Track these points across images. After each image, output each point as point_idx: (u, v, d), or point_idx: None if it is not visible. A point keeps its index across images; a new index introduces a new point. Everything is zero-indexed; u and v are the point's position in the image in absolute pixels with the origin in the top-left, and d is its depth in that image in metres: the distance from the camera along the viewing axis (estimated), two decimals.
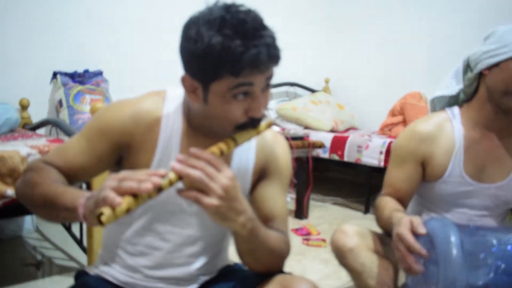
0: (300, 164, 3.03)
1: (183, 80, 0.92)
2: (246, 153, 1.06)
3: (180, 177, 0.80)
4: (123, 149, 0.98)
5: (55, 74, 2.69)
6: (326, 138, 3.41)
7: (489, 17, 3.28)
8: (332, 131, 3.66)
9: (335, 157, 3.37)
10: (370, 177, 3.21)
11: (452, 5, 3.62)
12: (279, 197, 1.09)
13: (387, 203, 1.42)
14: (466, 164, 1.42)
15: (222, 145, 0.88)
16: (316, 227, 2.85)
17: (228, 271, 1.14)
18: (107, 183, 0.75)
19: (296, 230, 2.77)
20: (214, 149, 0.87)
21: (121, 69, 3.04)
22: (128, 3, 3.12)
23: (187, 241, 1.04)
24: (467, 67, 1.47)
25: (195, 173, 0.79)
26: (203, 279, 1.10)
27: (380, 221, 1.44)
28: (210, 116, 0.93)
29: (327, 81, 4.48)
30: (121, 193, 0.73)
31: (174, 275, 1.04)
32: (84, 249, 2.00)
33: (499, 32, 1.37)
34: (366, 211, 3.26)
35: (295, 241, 2.60)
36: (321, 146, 3.15)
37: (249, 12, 0.86)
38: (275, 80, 3.96)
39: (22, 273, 2.01)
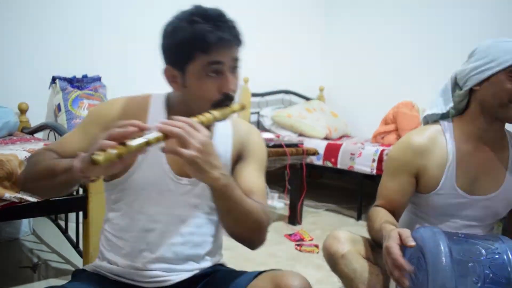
0: (294, 170, 3.06)
1: (165, 72, 1.08)
2: (225, 141, 1.19)
3: (166, 136, 0.90)
4: None
5: (54, 79, 2.71)
6: (320, 146, 3.45)
7: (481, 30, 3.35)
8: (326, 138, 3.71)
9: (329, 164, 3.41)
10: (363, 184, 3.26)
11: (446, 17, 3.69)
12: (255, 174, 1.19)
13: (378, 214, 1.44)
14: (458, 177, 1.44)
15: (200, 117, 1.01)
16: (309, 233, 2.88)
17: (222, 269, 1.21)
18: (100, 137, 0.86)
19: (290, 236, 2.80)
20: (194, 119, 0.98)
21: (119, 74, 3.07)
22: (127, 9, 3.15)
23: (177, 221, 1.12)
24: (455, 85, 1.51)
25: (176, 130, 0.91)
26: (199, 265, 1.16)
27: (371, 232, 1.46)
28: (189, 98, 1.08)
29: (321, 89, 4.53)
30: (112, 139, 0.84)
31: (169, 256, 1.11)
32: (80, 253, 2.01)
33: (483, 47, 1.41)
34: (358, 217, 3.30)
35: (288, 246, 2.63)
36: (315, 153, 3.19)
37: (214, 7, 1.05)
38: (271, 87, 4.01)
39: (18, 275, 2.02)
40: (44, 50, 2.76)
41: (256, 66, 3.95)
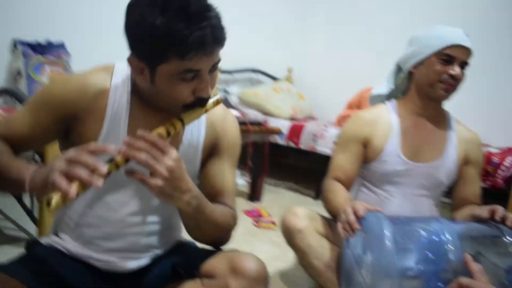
0: (256, 148, 3.10)
1: (130, 61, 0.93)
2: (197, 129, 1.09)
3: (127, 159, 0.84)
4: (69, 121, 0.99)
5: (15, 43, 2.62)
6: (284, 126, 3.49)
7: (449, 18, 3.43)
8: (291, 119, 3.75)
9: (292, 144, 3.46)
10: (323, 165, 3.31)
11: (416, 3, 3.75)
12: (228, 173, 1.13)
13: (339, 191, 1.56)
14: (402, 146, 1.60)
15: (168, 126, 0.92)
16: (268, 210, 2.93)
17: (179, 247, 1.18)
18: (56, 164, 0.77)
19: (248, 212, 2.85)
20: (161, 130, 0.91)
21: (84, 42, 2.97)
22: None
23: (135, 211, 1.05)
24: (399, 69, 1.69)
25: (141, 156, 0.83)
26: (156, 252, 1.12)
27: (329, 203, 1.56)
28: (157, 95, 0.96)
29: (290, 71, 4.54)
30: (71, 178, 0.76)
31: (125, 246, 1.06)
32: (34, 220, 1.99)
33: (418, 35, 1.61)
34: (316, 197, 3.38)
35: (246, 222, 2.67)
36: (278, 132, 3.22)
37: None
38: (239, 65, 3.99)
39: None
40: (5, 12, 2.65)
41: (227, 42, 3.92)
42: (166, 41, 0.85)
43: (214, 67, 0.94)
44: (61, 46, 2.77)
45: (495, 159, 2.45)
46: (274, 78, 4.37)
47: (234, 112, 3.24)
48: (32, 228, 2.09)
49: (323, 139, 3.27)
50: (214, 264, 1.03)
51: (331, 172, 1.66)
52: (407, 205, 1.61)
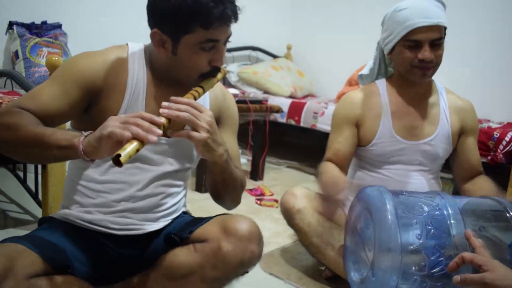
0: (257, 127, 3.09)
1: (153, 35, 1.05)
2: (202, 103, 1.19)
3: (169, 121, 0.94)
4: (94, 95, 1.07)
5: (11, 24, 2.59)
6: (284, 104, 3.48)
7: None
8: (290, 97, 3.73)
9: (292, 122, 3.45)
10: (324, 142, 3.32)
11: None
12: (232, 140, 1.27)
13: (330, 171, 1.55)
14: (395, 126, 1.59)
15: (194, 92, 1.04)
16: (270, 188, 2.95)
17: (185, 216, 1.27)
18: (110, 123, 0.84)
19: (250, 191, 2.86)
20: (189, 95, 1.02)
21: (81, 23, 2.94)
22: None
23: (154, 177, 1.14)
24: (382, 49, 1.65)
25: (184, 115, 0.95)
26: (172, 215, 1.21)
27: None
28: (177, 66, 1.07)
29: (289, 48, 4.50)
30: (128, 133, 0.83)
31: (147, 206, 1.13)
32: (39, 203, 2.00)
33: (386, 18, 1.57)
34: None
35: (249, 200, 2.69)
36: (278, 110, 3.22)
37: None
38: (238, 43, 3.94)
39: None
40: None
41: None
42: (194, 13, 0.98)
43: (226, 40, 1.07)
44: (58, 26, 2.74)
45: (496, 134, 2.45)
46: (273, 56, 4.34)
47: (234, 91, 3.22)
48: (36, 211, 2.10)
49: (323, 116, 3.26)
50: (206, 228, 1.11)
51: (326, 154, 1.68)
52: (406, 182, 1.62)
